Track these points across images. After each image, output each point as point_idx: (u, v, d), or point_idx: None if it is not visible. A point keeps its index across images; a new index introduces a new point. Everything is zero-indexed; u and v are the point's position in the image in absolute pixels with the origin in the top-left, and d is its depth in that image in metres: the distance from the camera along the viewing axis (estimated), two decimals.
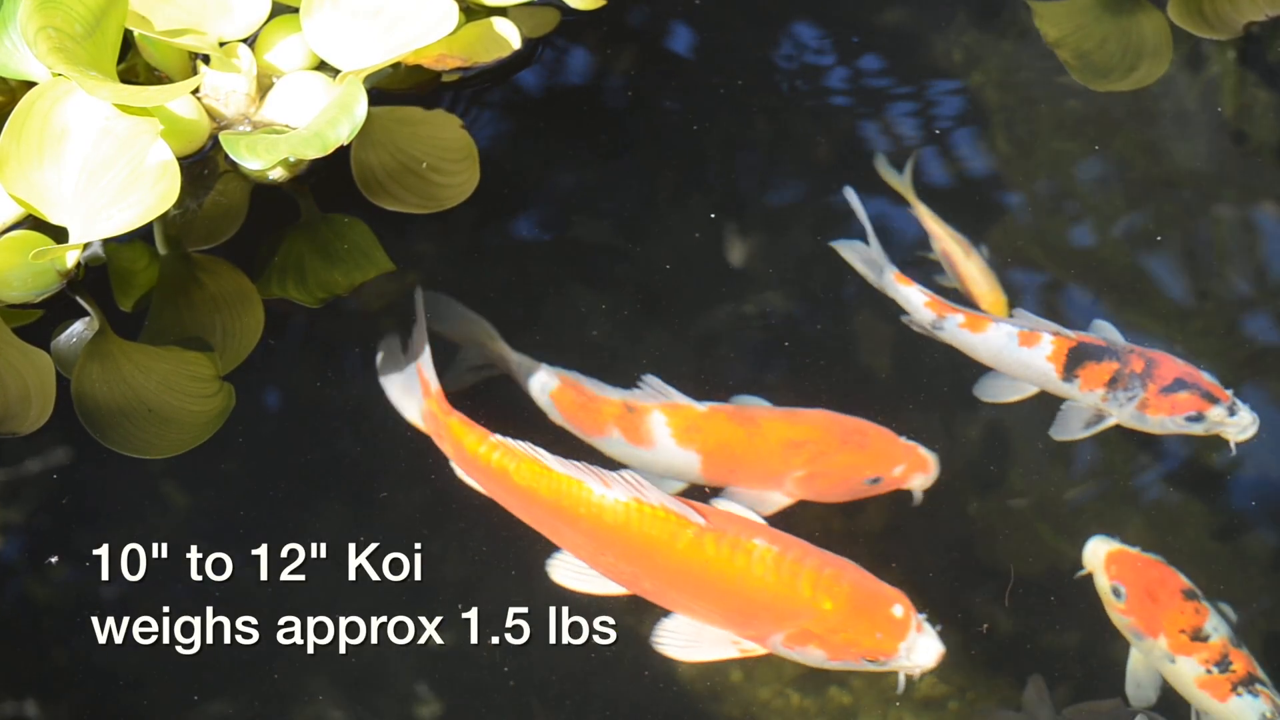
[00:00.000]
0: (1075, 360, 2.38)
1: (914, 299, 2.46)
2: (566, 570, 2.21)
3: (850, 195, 2.55)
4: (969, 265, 2.54)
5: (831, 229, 2.63)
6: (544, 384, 2.32)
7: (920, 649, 2.06)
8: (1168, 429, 2.36)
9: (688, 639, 2.15)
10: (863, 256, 2.52)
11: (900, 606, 2.07)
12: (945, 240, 2.56)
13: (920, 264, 2.56)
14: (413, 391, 2.29)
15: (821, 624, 2.07)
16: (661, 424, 2.29)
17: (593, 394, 2.31)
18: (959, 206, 2.65)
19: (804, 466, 2.27)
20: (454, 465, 2.26)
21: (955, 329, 2.43)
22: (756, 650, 2.13)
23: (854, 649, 2.07)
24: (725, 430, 2.29)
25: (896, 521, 2.38)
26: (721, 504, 2.20)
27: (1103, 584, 2.28)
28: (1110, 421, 2.37)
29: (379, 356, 2.35)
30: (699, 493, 2.30)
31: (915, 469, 2.28)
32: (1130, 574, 2.27)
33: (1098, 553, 2.30)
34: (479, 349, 2.38)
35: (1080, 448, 2.43)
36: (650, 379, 2.31)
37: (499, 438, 2.20)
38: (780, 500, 2.29)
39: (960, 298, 2.51)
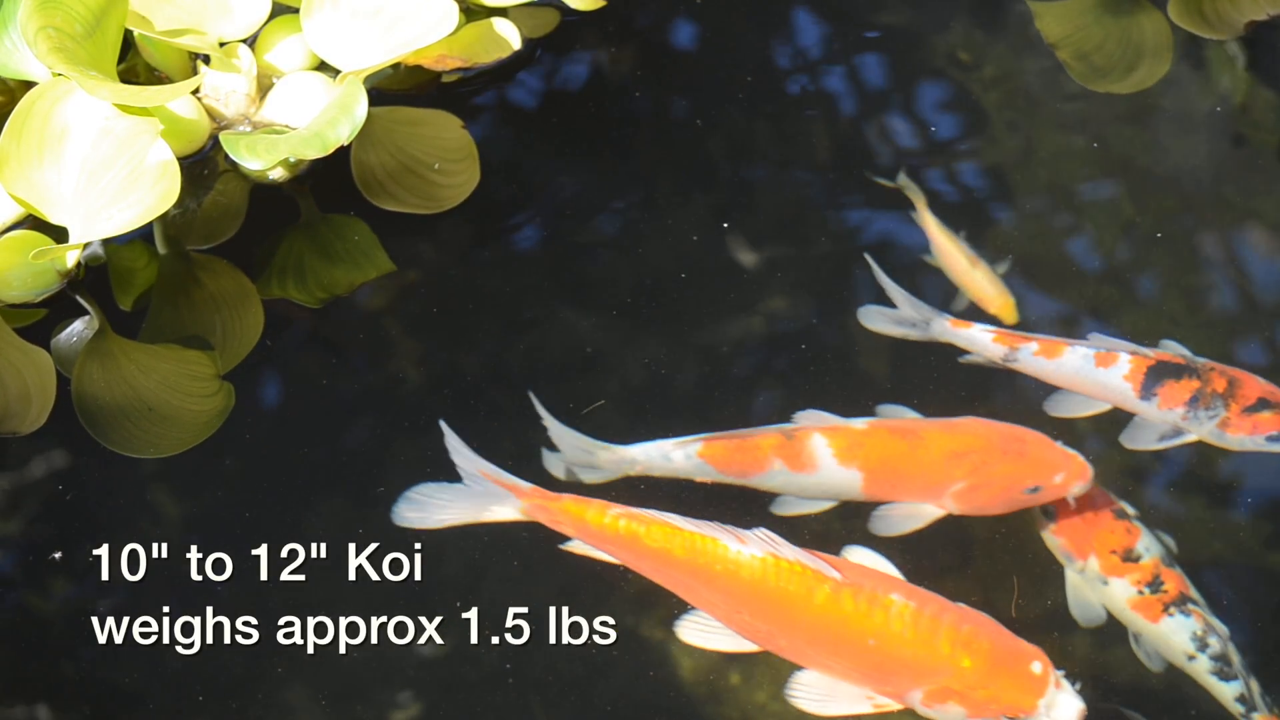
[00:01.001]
0: (1154, 379, 2.37)
1: (979, 338, 2.44)
2: (697, 629, 2.19)
3: (871, 263, 2.53)
4: (976, 274, 2.53)
5: (831, 228, 2.63)
6: (687, 452, 2.31)
7: (1060, 706, 2.05)
8: (1247, 447, 2.36)
9: (822, 694, 2.13)
10: (896, 319, 2.49)
11: (1039, 663, 2.07)
12: (950, 249, 2.56)
13: (921, 269, 2.56)
14: (500, 499, 2.24)
15: (961, 681, 2.06)
16: (823, 446, 2.28)
17: (743, 436, 2.30)
18: (959, 207, 2.65)
19: (966, 478, 2.25)
20: (574, 540, 2.23)
21: (1030, 358, 2.42)
22: (892, 705, 2.12)
23: (994, 706, 2.06)
24: (887, 446, 2.28)
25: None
26: (853, 552, 2.20)
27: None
28: (1188, 438, 2.37)
29: (442, 497, 2.28)
30: (835, 530, 2.31)
31: (1075, 477, 2.25)
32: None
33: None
34: (586, 462, 2.33)
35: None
36: (808, 412, 2.31)
37: (619, 506, 2.19)
38: (934, 513, 2.28)
39: (979, 313, 2.51)
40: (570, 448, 2.32)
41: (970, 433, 2.28)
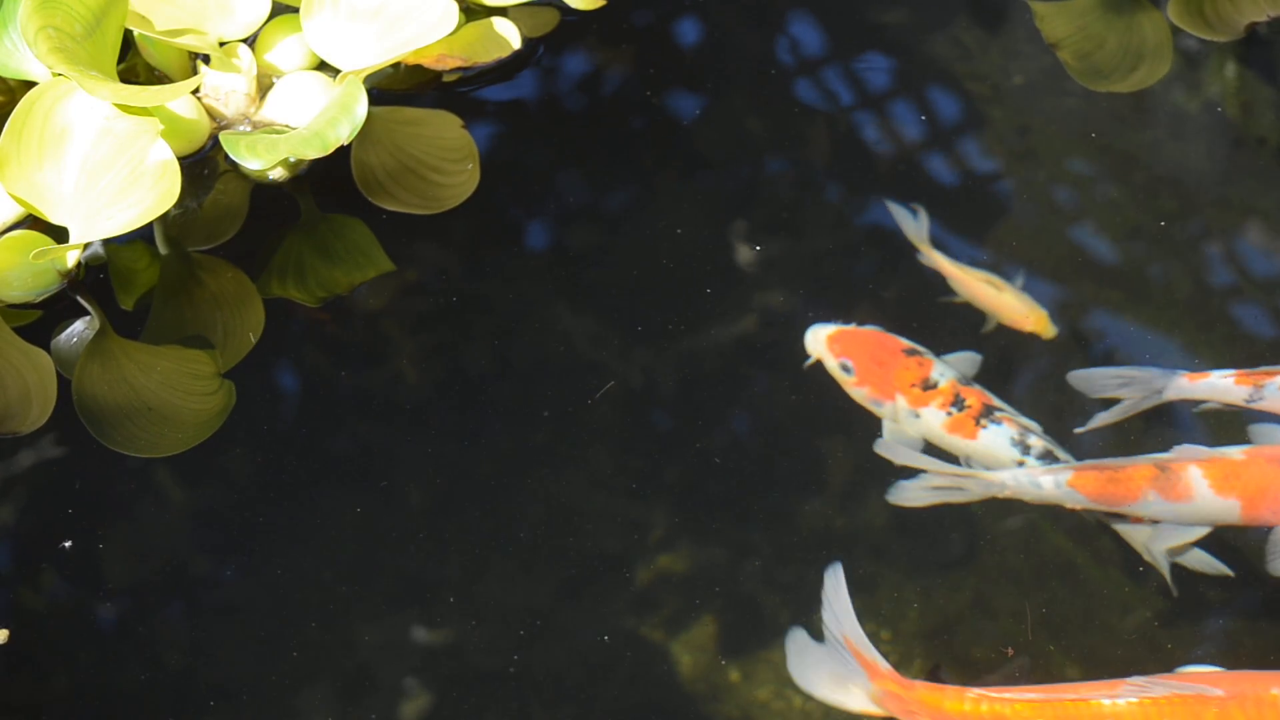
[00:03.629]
0: None
1: (1219, 384, 2.41)
2: None
3: (1079, 379, 2.45)
4: (1004, 296, 2.52)
5: (832, 228, 2.63)
6: (1057, 480, 2.30)
7: None
8: None
9: None
10: (1098, 384, 2.44)
11: None
12: (970, 280, 2.54)
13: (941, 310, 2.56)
14: (851, 676, 2.17)
15: None
16: (1199, 477, 2.28)
17: (1115, 466, 2.29)
18: (959, 207, 2.65)
19: None
20: None
21: (1277, 393, 2.40)
22: None
23: None
24: (1266, 474, 2.28)
25: (896, 521, 2.38)
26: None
27: (832, 365, 2.41)
28: None
29: (789, 648, 2.23)
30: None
31: None
32: (853, 346, 2.39)
33: (818, 337, 2.43)
34: (954, 485, 2.31)
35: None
36: (1183, 447, 2.31)
37: (975, 690, 2.14)
38: None
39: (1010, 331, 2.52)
40: (939, 475, 2.32)
41: None
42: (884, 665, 2.15)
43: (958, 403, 2.36)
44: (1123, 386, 2.43)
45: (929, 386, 2.37)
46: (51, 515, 2.37)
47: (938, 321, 2.51)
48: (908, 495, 2.33)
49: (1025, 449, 2.33)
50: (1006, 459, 2.33)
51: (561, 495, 2.39)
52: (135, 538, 2.36)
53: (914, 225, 2.58)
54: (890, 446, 2.35)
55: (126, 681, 2.27)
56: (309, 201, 2.61)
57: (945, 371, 2.39)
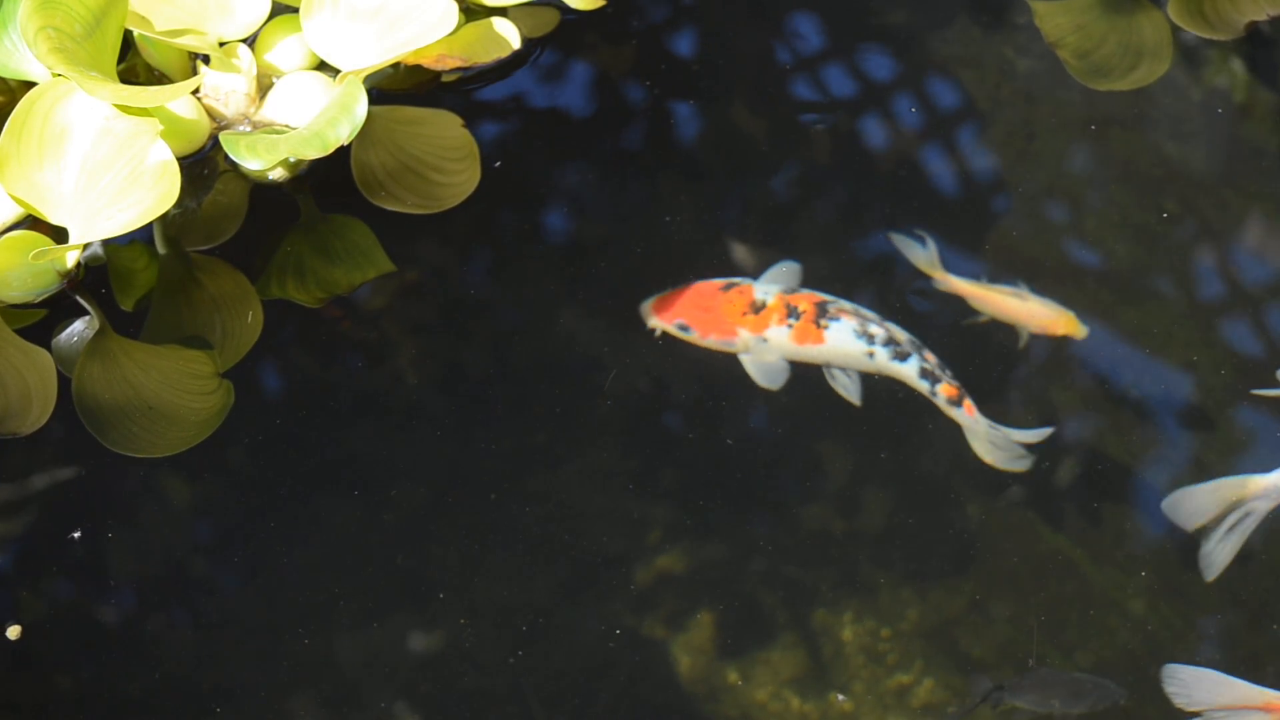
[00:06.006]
0: None
1: None
2: None
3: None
4: (1029, 305, 2.51)
5: (831, 228, 2.63)
6: None
7: None
8: None
9: None
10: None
11: None
12: (991, 296, 2.53)
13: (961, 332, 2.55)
14: None
15: None
16: None
17: None
18: (959, 207, 2.65)
19: None
20: None
21: None
22: None
23: None
24: None
25: (896, 519, 2.38)
26: None
27: (672, 330, 2.45)
28: None
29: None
30: None
31: None
32: (678, 305, 2.44)
33: (646, 311, 2.47)
34: (1238, 496, 2.28)
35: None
36: None
37: None
38: None
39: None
40: (1218, 491, 2.28)
41: None
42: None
43: (792, 313, 2.41)
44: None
45: (759, 309, 2.42)
46: (52, 514, 2.37)
47: (959, 337, 2.52)
48: (1185, 506, 2.29)
49: (870, 339, 2.39)
50: (857, 353, 2.39)
51: (561, 495, 2.39)
52: (135, 536, 2.36)
53: (923, 254, 2.57)
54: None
55: (126, 679, 2.27)
56: (309, 201, 2.61)
57: (769, 289, 2.44)
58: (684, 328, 2.45)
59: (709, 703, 2.28)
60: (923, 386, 2.39)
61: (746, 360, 2.43)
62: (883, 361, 2.40)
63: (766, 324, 2.42)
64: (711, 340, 2.44)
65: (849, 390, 2.39)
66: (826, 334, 2.40)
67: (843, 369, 2.40)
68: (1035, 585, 2.34)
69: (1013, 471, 2.39)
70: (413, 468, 2.40)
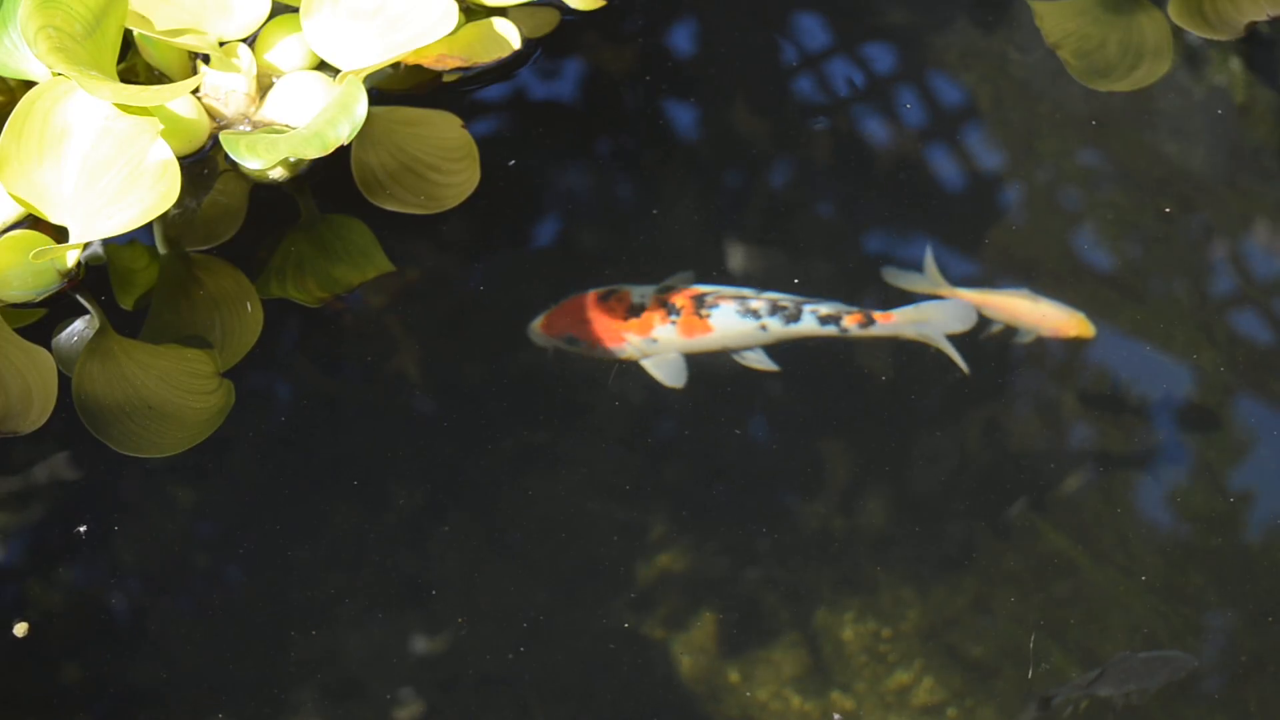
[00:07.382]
0: None
1: None
2: None
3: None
4: (1040, 308, 2.51)
5: (831, 228, 2.63)
6: None
7: None
8: None
9: None
10: None
11: None
12: (1005, 302, 2.53)
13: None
14: None
15: None
16: None
17: None
18: (959, 207, 2.65)
19: None
20: None
21: None
22: None
23: None
24: None
25: (897, 519, 2.38)
26: None
27: (557, 343, 2.45)
28: None
29: None
30: None
31: None
32: (561, 321, 2.45)
33: (534, 331, 2.47)
34: None
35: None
36: None
37: None
38: None
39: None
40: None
41: None
42: None
43: (671, 309, 2.41)
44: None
45: (638, 311, 2.42)
46: (52, 514, 2.37)
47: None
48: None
49: (755, 315, 2.39)
50: (750, 330, 2.39)
51: (561, 495, 2.39)
52: (135, 535, 2.36)
53: (922, 279, 2.55)
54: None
55: (126, 676, 2.27)
56: (309, 201, 2.61)
57: (645, 291, 2.45)
58: (572, 341, 2.45)
59: (710, 702, 2.28)
60: (831, 331, 2.38)
61: (648, 364, 2.42)
62: (779, 329, 2.40)
63: (651, 325, 2.42)
64: (602, 350, 2.44)
65: (761, 362, 2.38)
66: (712, 321, 2.40)
67: (749, 349, 2.39)
68: (1035, 585, 2.34)
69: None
70: (413, 467, 2.40)
